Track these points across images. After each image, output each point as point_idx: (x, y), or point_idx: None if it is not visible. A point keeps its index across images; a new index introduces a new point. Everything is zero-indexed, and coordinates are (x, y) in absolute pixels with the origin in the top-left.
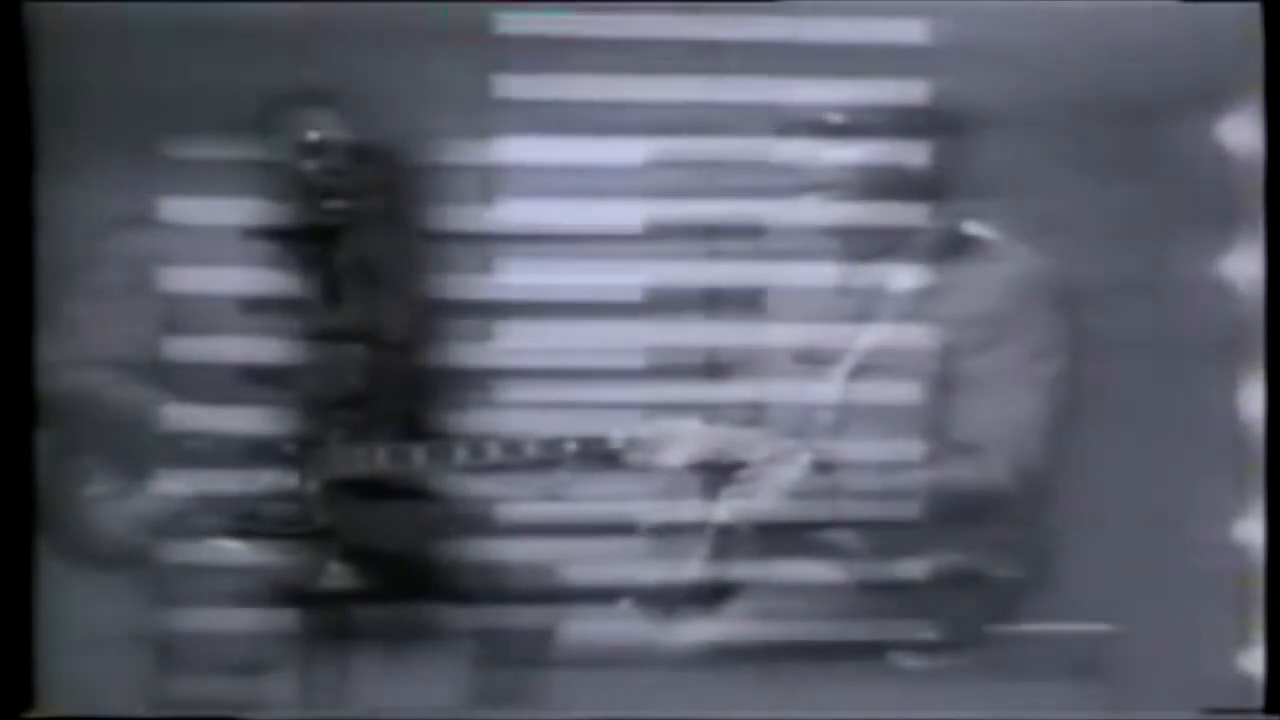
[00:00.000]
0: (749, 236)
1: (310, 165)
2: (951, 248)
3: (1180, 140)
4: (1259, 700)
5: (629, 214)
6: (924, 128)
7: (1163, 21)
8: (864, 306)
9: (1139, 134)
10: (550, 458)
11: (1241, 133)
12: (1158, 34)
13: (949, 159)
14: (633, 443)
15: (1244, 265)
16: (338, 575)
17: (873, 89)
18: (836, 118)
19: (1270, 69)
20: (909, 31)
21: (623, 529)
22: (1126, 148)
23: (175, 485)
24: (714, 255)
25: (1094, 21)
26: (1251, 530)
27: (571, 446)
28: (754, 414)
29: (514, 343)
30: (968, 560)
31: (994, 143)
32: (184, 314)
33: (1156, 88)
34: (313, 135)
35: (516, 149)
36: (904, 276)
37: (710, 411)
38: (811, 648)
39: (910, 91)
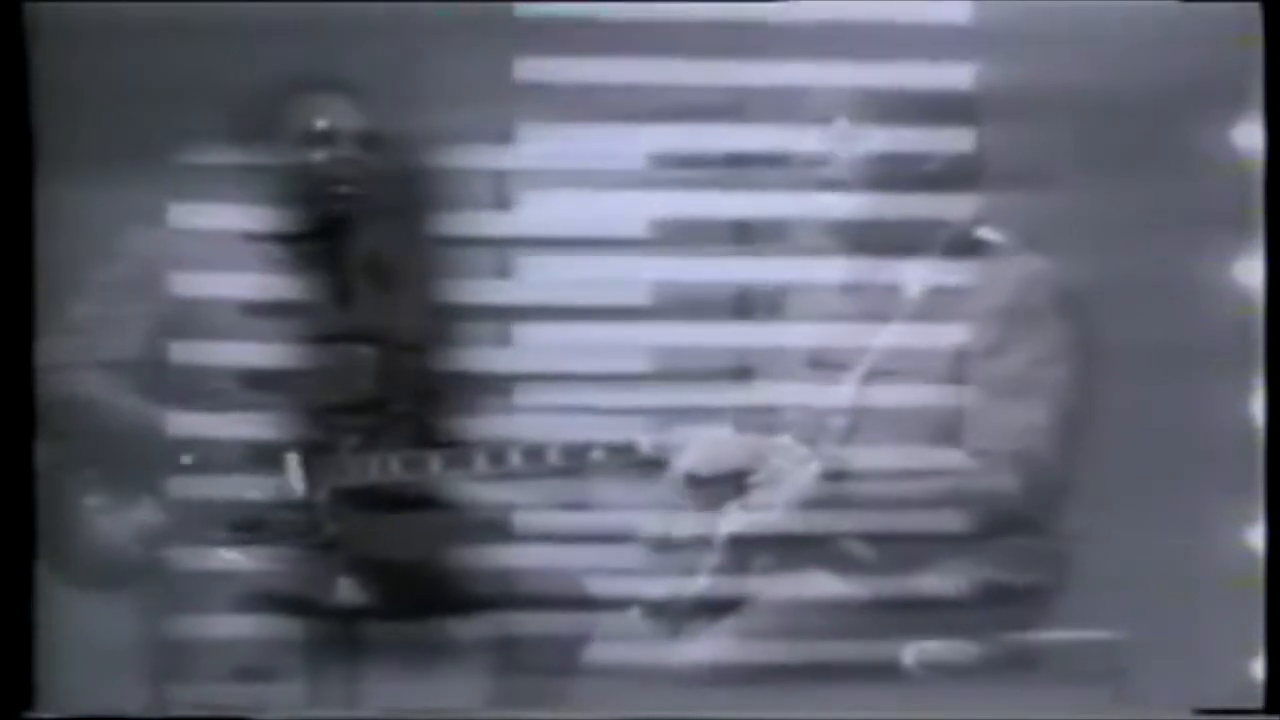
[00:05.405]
0: (770, 233)
1: (319, 155)
2: (966, 248)
3: (1194, 141)
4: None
5: (650, 213)
6: (933, 121)
7: (1169, 21)
8: (879, 306)
9: (1151, 135)
10: (573, 465)
11: (1257, 135)
12: (1165, 33)
13: (959, 156)
14: (660, 449)
15: (1258, 269)
16: (348, 588)
17: (877, 82)
18: (855, 109)
19: (1270, 69)
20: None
21: (638, 539)
22: (1139, 148)
23: (181, 493)
24: (735, 253)
25: (1100, 20)
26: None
27: (597, 454)
28: (773, 419)
29: (531, 345)
30: (979, 567)
31: (1009, 139)
32: (189, 318)
33: (1165, 87)
34: (320, 123)
35: (534, 142)
36: (920, 275)
37: (734, 417)
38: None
39: (915, 85)
